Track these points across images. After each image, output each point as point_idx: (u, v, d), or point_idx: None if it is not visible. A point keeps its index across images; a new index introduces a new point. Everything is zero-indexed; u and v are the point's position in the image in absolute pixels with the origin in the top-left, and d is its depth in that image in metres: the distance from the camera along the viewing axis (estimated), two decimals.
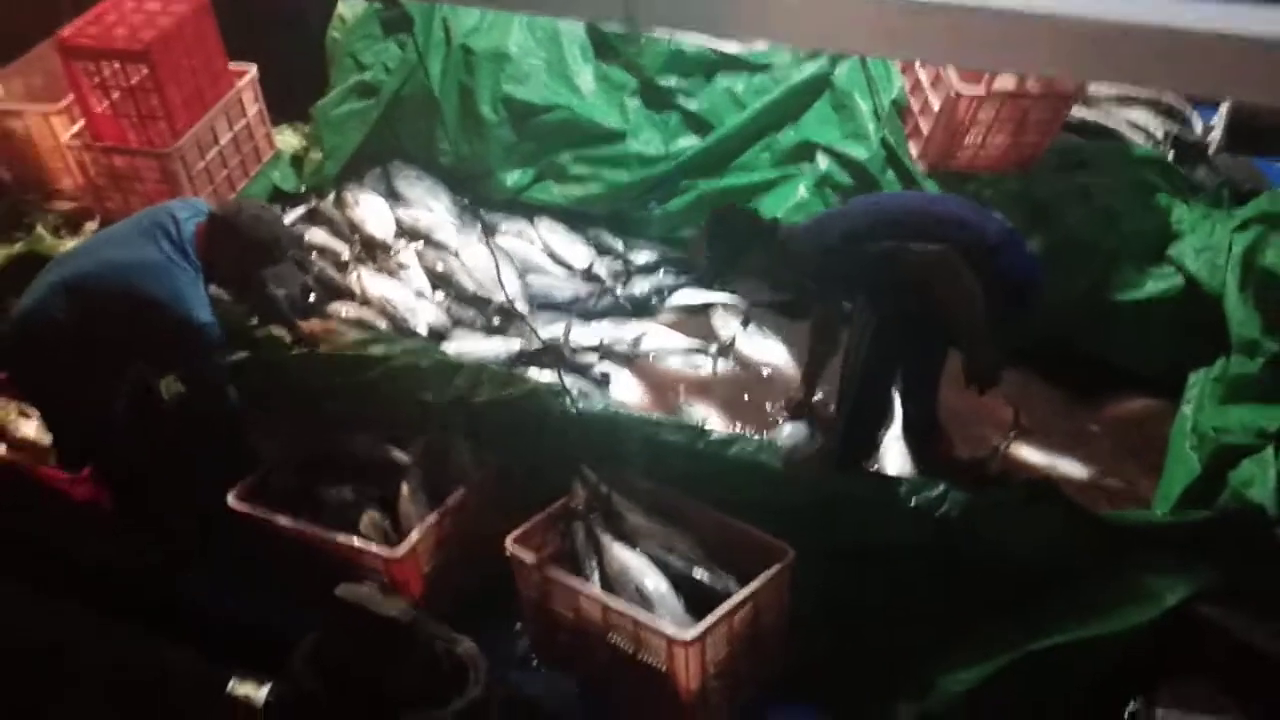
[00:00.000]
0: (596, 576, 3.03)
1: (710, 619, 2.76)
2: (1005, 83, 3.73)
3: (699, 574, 2.99)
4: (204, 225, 3.27)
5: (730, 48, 4.42)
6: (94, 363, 3.27)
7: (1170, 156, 4.07)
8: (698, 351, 4.00)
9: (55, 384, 3.36)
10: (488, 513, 3.32)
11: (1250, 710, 2.51)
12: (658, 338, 4.03)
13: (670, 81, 4.44)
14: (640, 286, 4.22)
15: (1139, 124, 4.14)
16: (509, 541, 3.06)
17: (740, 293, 4.16)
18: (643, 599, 2.92)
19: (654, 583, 2.95)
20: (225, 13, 4.09)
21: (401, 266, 4.23)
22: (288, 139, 4.65)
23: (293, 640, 2.49)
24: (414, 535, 3.13)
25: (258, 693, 2.66)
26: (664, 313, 4.20)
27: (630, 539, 3.09)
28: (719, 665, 2.87)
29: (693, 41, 4.42)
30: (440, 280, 4.24)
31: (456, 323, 4.10)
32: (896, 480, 3.13)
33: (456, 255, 4.30)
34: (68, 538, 3.55)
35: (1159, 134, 4.13)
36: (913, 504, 2.95)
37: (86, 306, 3.20)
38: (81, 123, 4.07)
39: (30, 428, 3.99)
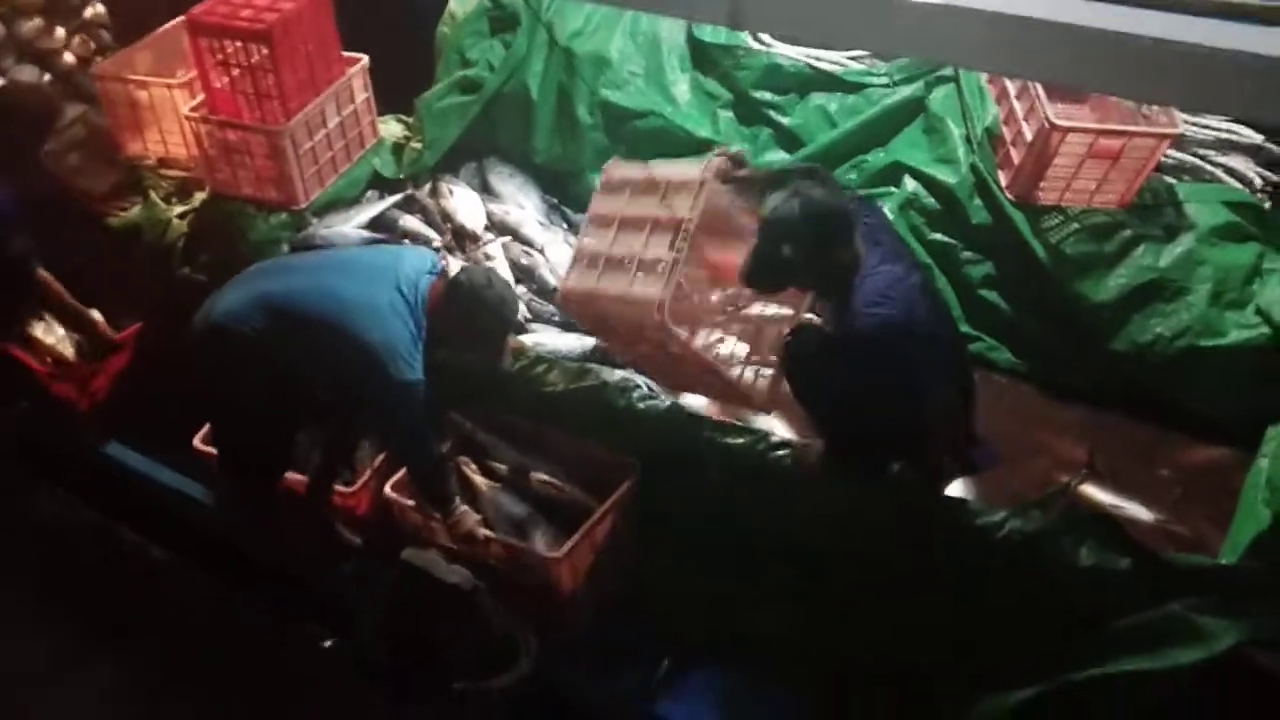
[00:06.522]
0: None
1: (575, 536, 3.18)
2: (1100, 116, 3.70)
3: (559, 496, 3.41)
4: (439, 287, 3.06)
5: (827, 65, 4.45)
6: (274, 383, 3.15)
7: (1266, 204, 3.98)
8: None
9: (230, 390, 3.23)
10: None
11: None
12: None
13: (764, 96, 4.48)
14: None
15: (1236, 170, 4.05)
16: (387, 488, 3.43)
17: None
18: (515, 527, 3.35)
19: (522, 510, 3.39)
20: (344, 3, 4.28)
21: (488, 258, 4.34)
22: (391, 128, 4.82)
23: None
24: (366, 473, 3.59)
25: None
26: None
27: (498, 472, 3.52)
28: (586, 572, 3.27)
29: (791, 55, 4.46)
30: (524, 274, 4.35)
31: (535, 316, 4.21)
32: (961, 502, 3.15)
33: (541, 252, 4.40)
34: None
35: (1256, 181, 4.04)
36: (973, 526, 2.97)
37: (288, 328, 3.06)
38: (201, 97, 4.28)
39: (39, 329, 4.25)
